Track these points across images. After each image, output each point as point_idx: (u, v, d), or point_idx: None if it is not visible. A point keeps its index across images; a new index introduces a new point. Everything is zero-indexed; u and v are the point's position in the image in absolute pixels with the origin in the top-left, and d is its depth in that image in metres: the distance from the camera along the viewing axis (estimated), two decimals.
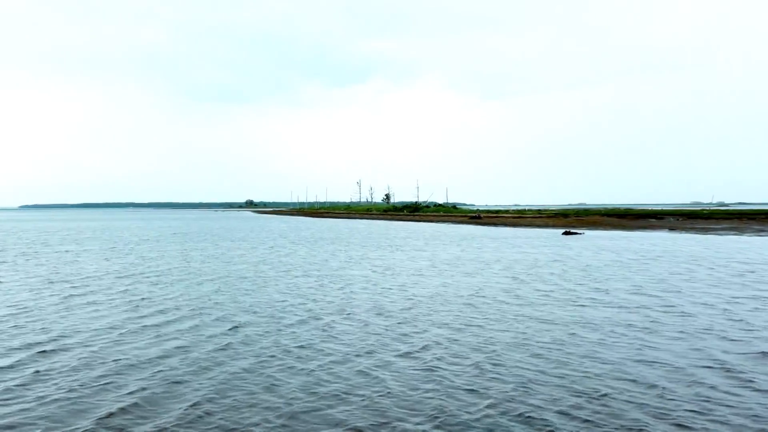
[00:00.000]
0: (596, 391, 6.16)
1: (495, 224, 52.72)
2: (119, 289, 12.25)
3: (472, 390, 6.20)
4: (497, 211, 79.99)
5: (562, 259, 17.95)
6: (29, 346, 7.66)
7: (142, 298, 10.87)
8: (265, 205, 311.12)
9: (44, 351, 7.36)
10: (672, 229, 38.08)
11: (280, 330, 8.59)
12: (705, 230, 35.89)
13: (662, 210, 61.00)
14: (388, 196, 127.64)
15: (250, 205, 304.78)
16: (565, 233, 35.61)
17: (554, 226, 46.37)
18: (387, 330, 8.58)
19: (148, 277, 13.98)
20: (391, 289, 12.44)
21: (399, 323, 9.09)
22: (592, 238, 32.08)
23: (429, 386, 6.23)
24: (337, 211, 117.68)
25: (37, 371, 6.62)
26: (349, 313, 9.83)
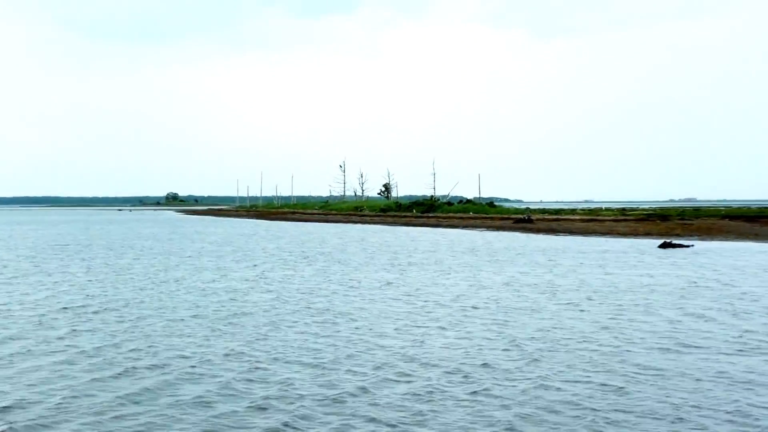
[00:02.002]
0: None
1: (554, 231, 53.64)
2: None
3: None
4: (557, 211, 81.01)
5: (686, 299, 17.45)
6: None
7: None
8: (196, 200, 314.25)
9: None
10: None
11: None
12: None
13: None
14: (387, 188, 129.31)
15: (173, 201, 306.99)
16: (664, 245, 36.01)
17: (647, 234, 47.16)
18: None
19: None
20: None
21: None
22: (707, 253, 32.76)
23: None
24: (308, 211, 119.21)
25: None
26: None
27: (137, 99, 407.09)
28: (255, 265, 27.52)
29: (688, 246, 36.29)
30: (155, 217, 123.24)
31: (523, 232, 54.22)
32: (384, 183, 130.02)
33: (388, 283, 21.25)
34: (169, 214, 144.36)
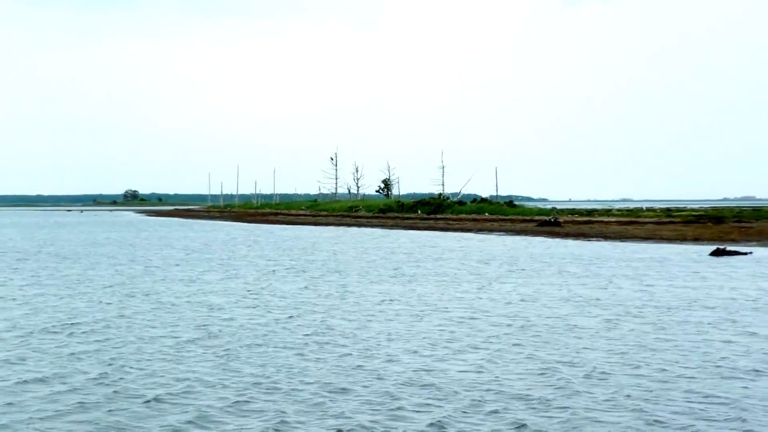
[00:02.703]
0: None
1: (586, 235, 53.85)
2: None
3: None
4: (589, 212, 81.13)
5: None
6: None
7: None
8: (160, 199, 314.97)
9: None
10: None
11: None
12: None
13: None
14: (387, 185, 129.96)
15: (132, 199, 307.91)
16: (717, 253, 36.14)
17: (697, 239, 47.37)
18: None
19: None
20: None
21: None
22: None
23: None
24: (293, 211, 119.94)
25: None
26: None
27: (87, 77, 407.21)
28: (236, 277, 27.78)
29: (745, 253, 36.35)
30: (112, 218, 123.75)
31: (548, 236, 54.35)
32: (383, 179, 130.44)
33: (394, 298, 21.46)
34: (129, 216, 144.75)
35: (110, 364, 12.54)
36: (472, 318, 17.65)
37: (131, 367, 12.35)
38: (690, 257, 35.24)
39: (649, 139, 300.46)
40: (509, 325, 16.52)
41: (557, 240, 50.73)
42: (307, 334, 15.45)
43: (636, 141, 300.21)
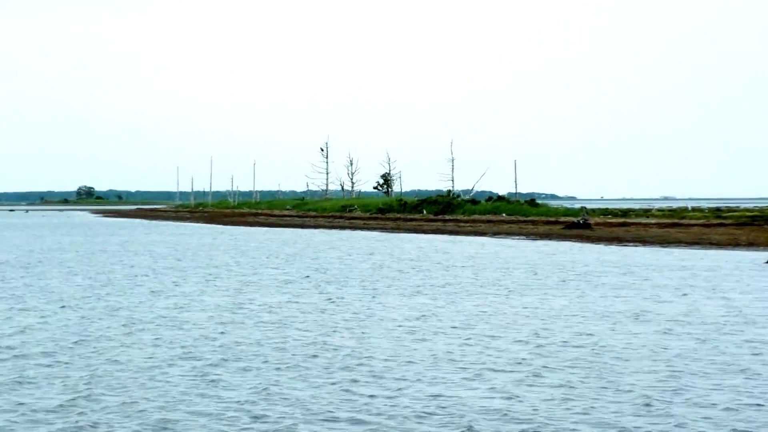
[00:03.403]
0: None
1: (620, 239, 54.04)
2: None
3: None
4: (625, 212, 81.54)
5: None
6: None
7: None
8: (120, 197, 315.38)
9: None
10: None
11: None
12: None
13: None
14: (387, 181, 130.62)
15: (87, 197, 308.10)
16: None
17: (752, 244, 47.55)
18: None
19: None
20: None
21: None
22: None
23: None
24: (276, 212, 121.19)
25: None
26: None
27: (33, 55, 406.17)
28: (216, 289, 27.98)
29: None
30: (63, 220, 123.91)
31: (577, 240, 54.76)
32: (382, 173, 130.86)
33: (404, 314, 21.56)
34: (83, 216, 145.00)
35: (77, 394, 12.57)
36: (493, 336, 17.86)
37: (101, 396, 12.38)
38: (744, 266, 35.40)
39: (694, 128, 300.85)
40: (539, 346, 16.70)
41: (587, 245, 50.98)
42: (303, 354, 15.61)
43: (679, 130, 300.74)
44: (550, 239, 57.34)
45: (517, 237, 60.69)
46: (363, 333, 18.47)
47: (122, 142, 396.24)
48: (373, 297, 25.55)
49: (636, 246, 49.26)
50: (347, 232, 73.38)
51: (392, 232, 72.64)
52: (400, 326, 19.51)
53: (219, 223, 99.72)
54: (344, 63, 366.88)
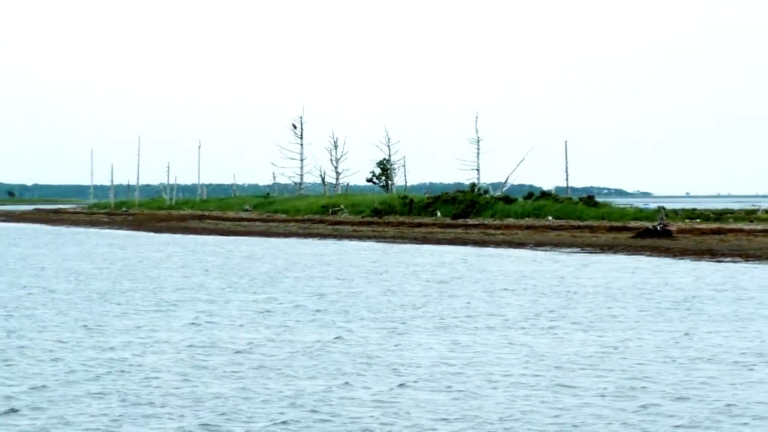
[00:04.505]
0: None
1: (712, 252, 54.27)
2: None
3: None
4: (720, 214, 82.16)
5: None
6: None
7: None
8: (11, 194, 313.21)
9: None
10: None
11: None
12: None
13: None
14: (386, 170, 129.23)
15: None
16: None
17: None
18: None
19: None
20: None
21: None
22: None
23: None
24: (230, 214, 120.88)
25: None
26: None
27: None
28: (185, 322, 27.78)
29: None
30: None
31: (652, 253, 55.00)
32: (380, 160, 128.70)
33: (467, 362, 21.04)
34: None
35: None
36: (574, 387, 17.45)
37: None
38: None
39: None
40: (643, 406, 16.02)
41: (667, 260, 51.15)
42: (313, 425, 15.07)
43: None
44: (614, 252, 57.31)
45: (568, 249, 60.64)
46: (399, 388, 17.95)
47: (14, 120, 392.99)
48: (395, 333, 25.41)
49: (734, 261, 49.37)
50: (329, 242, 73.64)
51: (393, 242, 72.46)
52: (442, 371, 19.20)
53: (150, 230, 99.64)
54: (325, 5, 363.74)
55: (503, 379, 18.76)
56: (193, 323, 27.65)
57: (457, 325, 26.81)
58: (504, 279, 40.73)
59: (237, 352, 22.22)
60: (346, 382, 18.50)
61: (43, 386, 17.80)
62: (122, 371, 19.69)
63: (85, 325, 26.90)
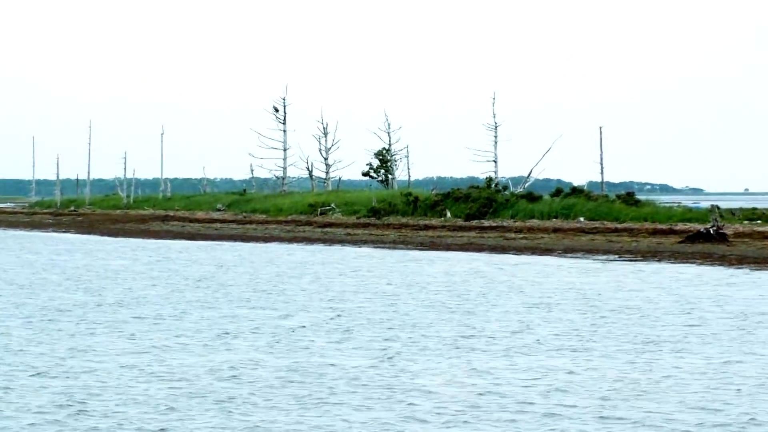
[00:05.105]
0: None
1: None
2: None
3: None
4: None
5: None
6: None
7: None
8: None
9: None
10: None
11: None
12: None
13: None
14: (386, 162, 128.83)
15: None
16: None
17: None
18: None
19: None
20: None
21: None
22: None
23: None
24: (199, 215, 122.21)
25: None
26: None
27: None
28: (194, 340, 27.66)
29: None
30: None
31: (703, 261, 55.32)
32: (378, 150, 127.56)
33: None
34: None
35: None
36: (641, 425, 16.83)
37: None
38: None
39: None
40: None
41: (721, 269, 51.32)
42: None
43: None
44: (658, 260, 57.14)
45: (603, 256, 60.61)
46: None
47: None
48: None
49: None
50: (319, 248, 73.85)
51: (394, 248, 72.46)
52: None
53: (104, 233, 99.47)
54: None
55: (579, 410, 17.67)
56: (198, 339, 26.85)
57: (468, 349, 25.63)
58: (532, 285, 39.81)
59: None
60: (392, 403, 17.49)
61: None
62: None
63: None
